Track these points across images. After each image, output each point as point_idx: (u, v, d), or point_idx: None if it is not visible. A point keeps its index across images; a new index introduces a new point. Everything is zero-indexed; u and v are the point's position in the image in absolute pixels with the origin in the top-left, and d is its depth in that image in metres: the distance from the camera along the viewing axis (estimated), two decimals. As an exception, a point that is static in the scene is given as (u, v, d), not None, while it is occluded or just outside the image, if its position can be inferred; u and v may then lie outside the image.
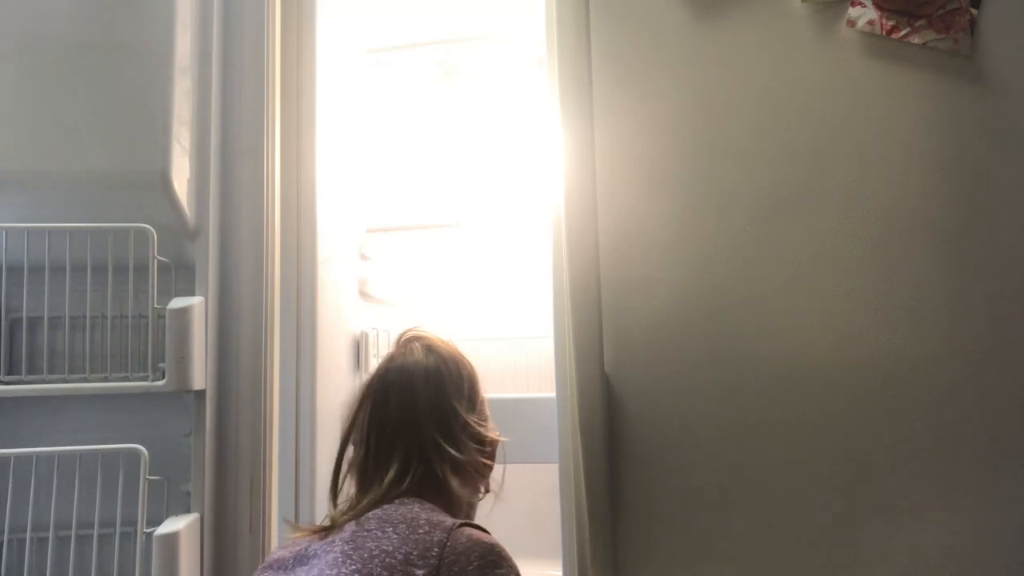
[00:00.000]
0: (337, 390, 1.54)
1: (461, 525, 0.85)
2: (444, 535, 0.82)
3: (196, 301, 1.28)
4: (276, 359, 1.38)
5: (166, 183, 1.26)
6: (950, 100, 1.00)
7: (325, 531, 0.90)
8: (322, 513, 0.96)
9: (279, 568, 0.89)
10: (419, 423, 0.95)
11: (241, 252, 1.36)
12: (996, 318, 0.96)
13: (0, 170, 1.24)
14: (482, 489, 1.02)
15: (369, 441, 0.96)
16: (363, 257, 1.91)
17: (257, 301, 1.35)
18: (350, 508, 0.92)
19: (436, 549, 0.80)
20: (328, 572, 0.81)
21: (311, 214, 1.46)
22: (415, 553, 0.80)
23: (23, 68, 1.26)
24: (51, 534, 1.24)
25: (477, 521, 0.94)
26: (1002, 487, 0.94)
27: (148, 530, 1.21)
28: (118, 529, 1.24)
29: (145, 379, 1.26)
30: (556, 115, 1.10)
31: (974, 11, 1.00)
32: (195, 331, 1.27)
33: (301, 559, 0.87)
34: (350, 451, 0.99)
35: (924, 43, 1.01)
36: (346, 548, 0.83)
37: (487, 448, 1.00)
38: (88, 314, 1.30)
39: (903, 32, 1.01)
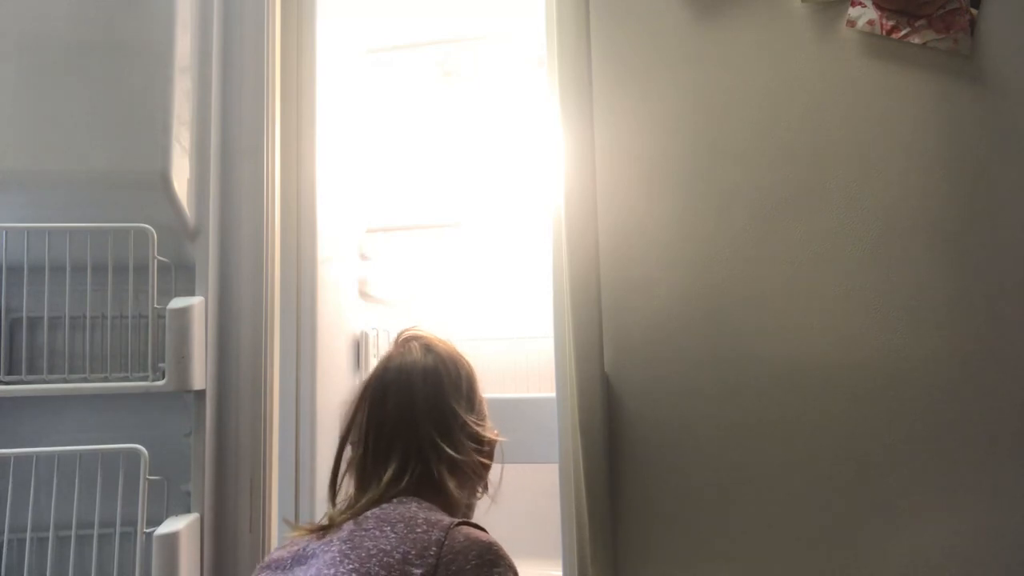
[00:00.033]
0: (337, 390, 1.54)
1: (459, 524, 0.85)
2: (442, 534, 0.82)
3: (196, 301, 1.28)
4: (276, 359, 1.38)
5: (166, 183, 1.26)
6: (950, 100, 1.00)
7: (323, 530, 0.90)
8: (322, 513, 0.96)
9: (277, 568, 0.89)
10: (417, 422, 0.95)
11: (241, 252, 1.36)
12: (996, 318, 0.96)
13: (0, 170, 1.24)
14: (480, 488, 1.02)
15: (367, 440, 0.96)
16: (363, 257, 1.91)
17: (257, 301, 1.35)
18: (348, 507, 0.93)
19: (434, 548, 0.80)
20: (326, 571, 0.81)
21: (311, 214, 1.46)
22: (413, 552, 0.80)
23: (23, 68, 1.26)
24: (51, 534, 1.24)
25: (476, 521, 0.94)
26: (1002, 487, 0.94)
27: (148, 530, 1.21)
28: (118, 529, 1.24)
29: (145, 379, 1.26)
30: (556, 115, 1.10)
31: (974, 11, 1.00)
32: (195, 331, 1.27)
33: (299, 559, 0.87)
34: (348, 450, 0.99)
35: (924, 43, 1.01)
36: (344, 547, 0.83)
37: (485, 448, 1.00)
38: (88, 314, 1.30)
39: (903, 32, 1.01)
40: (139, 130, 1.26)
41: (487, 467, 1.01)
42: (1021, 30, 0.99)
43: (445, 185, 2.05)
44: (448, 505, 0.93)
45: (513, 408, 1.49)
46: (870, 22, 1.02)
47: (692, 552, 1.00)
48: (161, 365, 1.25)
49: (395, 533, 0.83)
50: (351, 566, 0.80)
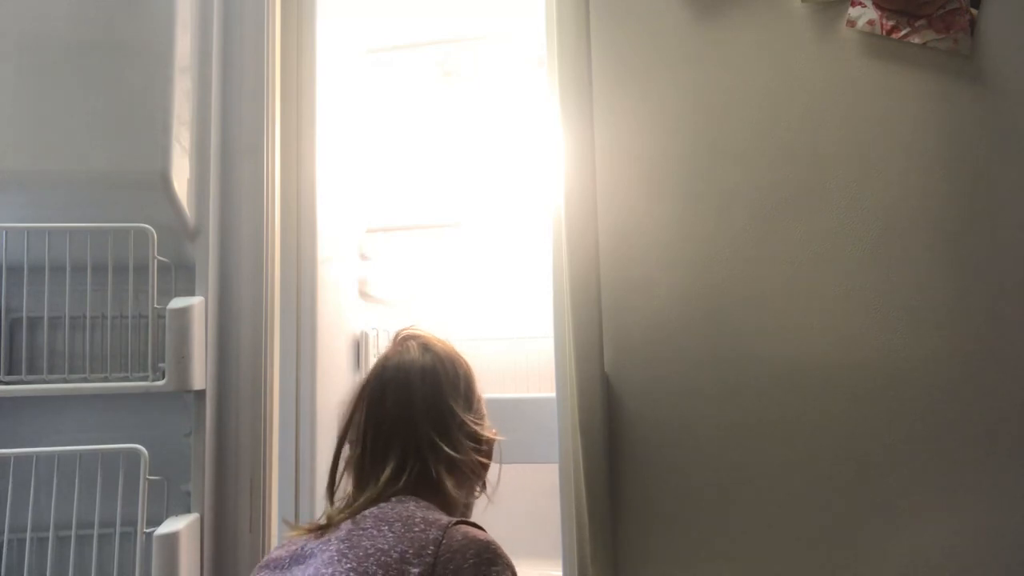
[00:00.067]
0: (337, 390, 1.53)
1: (457, 523, 0.85)
2: (440, 533, 0.82)
3: (196, 301, 1.28)
4: (276, 359, 1.38)
5: (166, 183, 1.26)
6: (950, 100, 1.00)
7: (321, 530, 0.90)
8: (322, 512, 0.96)
9: (275, 567, 0.89)
10: (415, 421, 0.95)
11: (241, 252, 1.36)
12: (996, 318, 0.96)
13: (0, 170, 1.24)
14: (478, 487, 1.02)
15: (365, 439, 0.96)
16: (363, 257, 1.91)
17: (257, 301, 1.35)
18: (346, 507, 0.93)
19: (432, 547, 0.80)
20: (324, 571, 0.81)
21: (311, 214, 1.46)
22: (411, 551, 0.80)
23: (23, 68, 1.26)
24: (51, 534, 1.24)
25: (475, 520, 0.94)
26: (1002, 487, 0.94)
27: (148, 530, 1.21)
28: (118, 529, 1.24)
29: (145, 379, 1.26)
30: (556, 115, 1.10)
31: (974, 11, 1.00)
32: (195, 331, 1.27)
33: (297, 558, 0.87)
34: (347, 449, 0.99)
35: (924, 43, 1.01)
36: (342, 547, 0.83)
37: (483, 447, 1.00)
38: (88, 314, 1.30)
39: (903, 32, 1.01)
40: (139, 130, 1.26)
41: (485, 466, 1.01)
42: (1021, 30, 0.99)
43: (445, 185, 2.05)
44: (446, 504, 0.93)
45: (513, 408, 1.49)
46: (870, 22, 1.02)
47: (692, 552, 1.00)
48: (161, 365, 1.25)
49: (393, 532, 0.83)
50: (349, 565, 0.80)
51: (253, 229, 1.36)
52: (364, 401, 0.98)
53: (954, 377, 0.96)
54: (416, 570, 0.78)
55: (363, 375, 1.05)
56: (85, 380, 1.28)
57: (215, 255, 1.34)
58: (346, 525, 0.87)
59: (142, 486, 1.22)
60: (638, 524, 1.02)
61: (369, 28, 1.92)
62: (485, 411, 1.03)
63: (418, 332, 1.05)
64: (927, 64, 1.01)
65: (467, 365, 1.03)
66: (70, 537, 1.22)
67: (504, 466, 1.05)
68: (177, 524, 1.22)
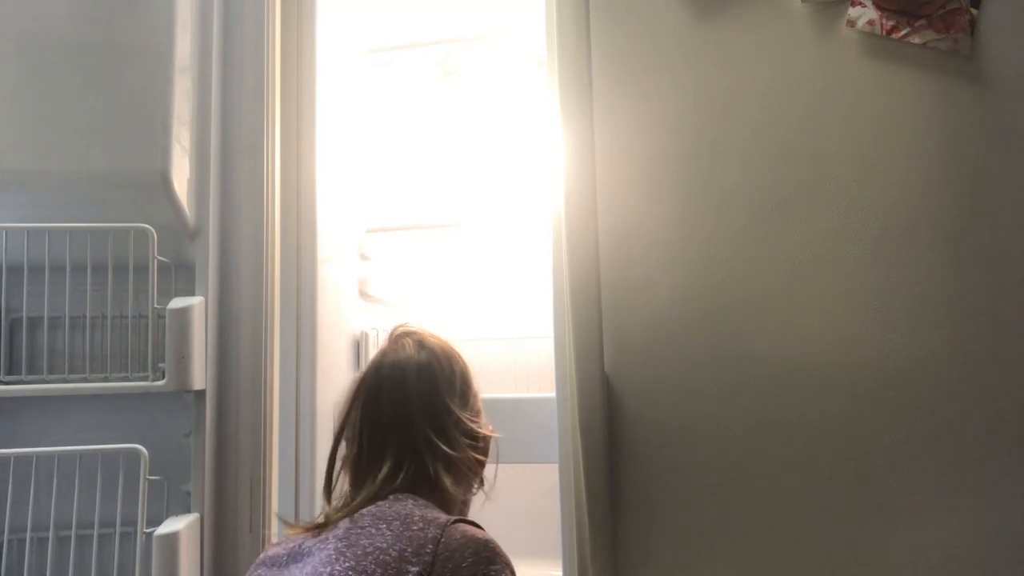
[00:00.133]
0: (337, 390, 1.53)
1: (455, 521, 0.85)
2: (438, 532, 0.82)
3: (196, 301, 1.29)
4: (276, 359, 1.38)
5: (166, 183, 1.26)
6: (950, 100, 1.00)
7: (319, 528, 0.89)
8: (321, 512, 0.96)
9: (273, 565, 0.89)
10: (411, 419, 0.95)
11: (241, 252, 1.36)
12: (996, 318, 0.96)
13: (0, 170, 1.24)
14: (476, 484, 1.02)
15: (362, 438, 0.96)
16: (363, 257, 1.91)
17: (257, 301, 1.35)
18: (344, 505, 0.92)
19: (430, 546, 0.80)
20: (322, 569, 0.81)
21: (311, 214, 1.46)
22: (409, 550, 0.80)
23: (23, 68, 1.26)
24: (51, 534, 1.24)
25: (476, 520, 0.94)
26: (1002, 487, 0.94)
27: (148, 530, 1.21)
28: (118, 529, 1.24)
29: (145, 379, 1.26)
30: (556, 115, 1.10)
31: (974, 11, 1.00)
32: (195, 331, 1.27)
33: (295, 556, 0.87)
34: (343, 447, 0.99)
35: (924, 43, 1.01)
36: (340, 545, 0.83)
37: (480, 444, 1.00)
38: (88, 314, 1.30)
39: (903, 32, 1.01)
40: (139, 130, 1.26)
41: (482, 463, 1.01)
42: (1021, 30, 0.99)
43: (445, 185, 2.05)
44: (444, 502, 0.93)
45: (513, 408, 1.49)
46: (870, 22, 1.02)
47: (692, 552, 1.00)
48: (161, 365, 1.25)
49: (391, 531, 0.83)
50: (347, 564, 0.80)
51: (253, 229, 1.36)
52: (360, 399, 0.98)
53: (954, 377, 0.96)
54: (415, 569, 0.78)
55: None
56: (85, 380, 1.28)
57: (215, 255, 1.34)
58: (344, 524, 0.87)
59: (142, 486, 1.22)
60: (638, 524, 1.02)
61: (369, 28, 1.92)
62: (482, 407, 1.03)
63: (414, 329, 1.05)
64: (927, 64, 1.01)
65: (463, 362, 1.03)
66: (70, 537, 1.22)
67: (504, 466, 1.05)
68: (177, 524, 1.22)
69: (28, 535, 1.23)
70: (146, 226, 1.26)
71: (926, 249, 0.99)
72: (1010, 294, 0.96)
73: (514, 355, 1.94)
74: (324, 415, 1.45)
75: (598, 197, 1.08)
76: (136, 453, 1.23)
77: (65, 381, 1.28)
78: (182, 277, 1.33)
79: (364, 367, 1.04)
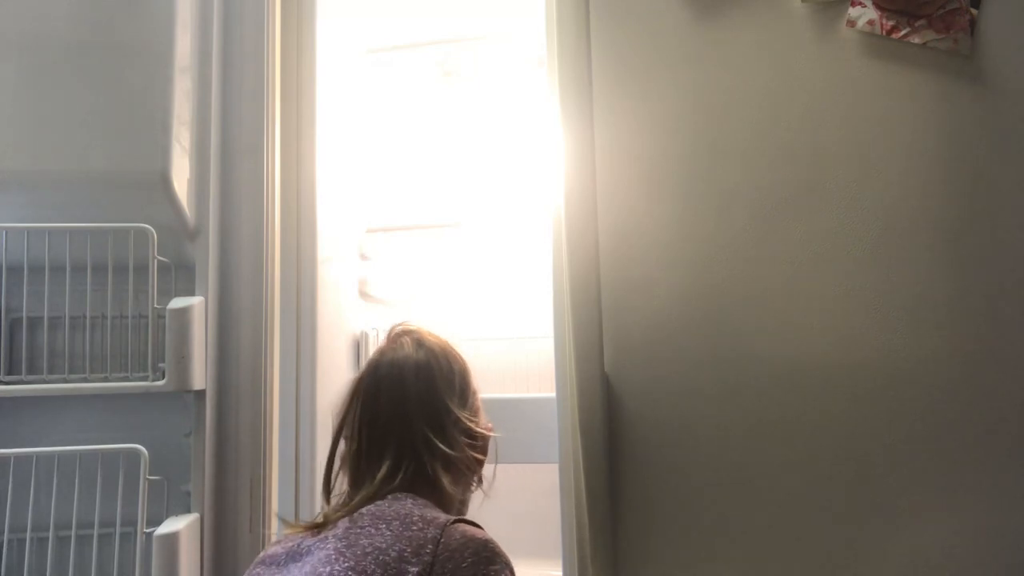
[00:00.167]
0: (337, 390, 1.53)
1: (455, 521, 0.84)
2: (438, 532, 0.82)
3: (196, 301, 1.29)
4: (276, 359, 1.38)
5: (166, 183, 1.26)
6: (950, 100, 1.00)
7: (318, 527, 0.89)
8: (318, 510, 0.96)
9: (272, 563, 0.88)
10: (410, 418, 0.94)
11: (241, 252, 1.36)
12: (996, 318, 0.96)
13: (0, 170, 1.24)
14: (475, 482, 1.02)
15: (360, 436, 0.96)
16: (363, 257, 1.91)
17: (257, 301, 1.35)
18: (343, 505, 0.92)
19: (430, 546, 0.80)
20: (321, 569, 0.81)
21: (311, 214, 1.46)
22: (409, 550, 0.80)
23: (23, 68, 1.26)
24: (51, 534, 1.24)
25: (476, 520, 0.94)
26: (1002, 487, 0.94)
27: (148, 530, 1.21)
28: (118, 529, 1.24)
29: (145, 379, 1.26)
30: (556, 115, 1.10)
31: (974, 11, 1.00)
32: (195, 331, 1.27)
33: (294, 555, 0.87)
34: (342, 446, 0.99)
35: (924, 43, 1.01)
36: (339, 545, 0.83)
37: (479, 442, 0.99)
38: (88, 314, 1.30)
39: (903, 32, 1.01)
40: (139, 130, 1.26)
41: (481, 462, 1.01)
42: (1021, 30, 0.99)
43: (445, 185, 2.05)
44: (442, 501, 0.93)
45: (513, 408, 1.49)
46: (870, 22, 1.02)
47: (692, 552, 1.00)
48: (161, 365, 1.25)
49: (391, 531, 0.83)
50: (347, 564, 0.80)
51: (253, 229, 1.36)
52: (359, 397, 0.98)
53: (954, 377, 0.96)
54: (415, 569, 0.78)
55: (361, 373, 1.04)
56: (85, 380, 1.28)
57: (215, 255, 1.34)
58: (343, 523, 0.87)
59: (142, 486, 1.22)
60: (638, 524, 1.02)
61: (369, 28, 1.92)
62: (480, 406, 1.03)
63: (412, 327, 1.05)
64: (927, 64, 1.01)
65: (462, 360, 1.03)
66: (70, 537, 1.22)
67: (504, 466, 1.05)
68: (177, 524, 1.22)
69: (28, 535, 1.23)
70: (146, 226, 1.26)
71: (926, 249, 0.99)
72: (1010, 294, 0.96)
73: (514, 355, 1.94)
74: (324, 415, 1.45)
75: (598, 197, 1.08)
76: (136, 453, 1.23)
77: (65, 381, 1.28)
78: (182, 277, 1.33)
79: (363, 366, 1.03)
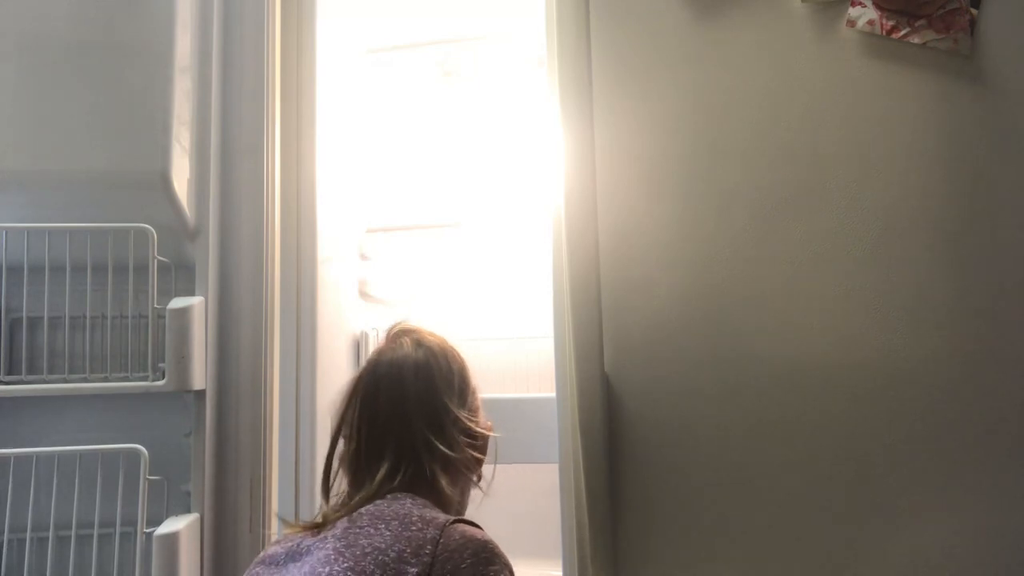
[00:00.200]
0: (337, 390, 1.53)
1: (454, 522, 0.84)
2: (437, 532, 0.82)
3: (196, 301, 1.29)
4: (276, 359, 1.38)
5: (166, 183, 1.26)
6: (950, 100, 1.00)
7: (318, 527, 0.89)
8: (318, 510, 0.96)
9: (271, 563, 0.88)
10: (409, 419, 0.94)
11: (241, 252, 1.36)
12: (996, 318, 0.96)
13: (0, 170, 1.24)
14: (474, 479, 1.01)
15: (359, 437, 0.95)
16: (363, 257, 1.91)
17: (257, 301, 1.35)
18: (342, 505, 0.92)
19: (429, 546, 0.80)
20: (320, 569, 0.81)
21: (311, 214, 1.46)
22: (408, 550, 0.80)
23: (23, 68, 1.26)
24: (51, 534, 1.24)
25: (475, 520, 0.94)
26: (1002, 487, 0.94)
27: (148, 530, 1.21)
28: (118, 529, 1.24)
29: (145, 379, 1.26)
30: (556, 115, 1.10)
31: (974, 11, 1.00)
32: (195, 331, 1.27)
33: (293, 555, 0.87)
34: (341, 445, 0.99)
35: (924, 43, 1.01)
36: (338, 545, 0.83)
37: (478, 442, 0.99)
38: (88, 314, 1.30)
39: (903, 32, 1.01)
40: (139, 130, 1.26)
41: (480, 461, 1.01)
42: (1021, 30, 0.99)
43: (445, 185, 2.05)
44: (441, 501, 0.92)
45: (513, 408, 1.49)
46: (870, 22, 1.02)
47: (692, 552, 1.00)
48: (161, 365, 1.25)
49: (390, 531, 0.82)
50: (346, 564, 0.80)
51: (253, 229, 1.36)
52: (358, 396, 0.98)
53: (954, 377, 0.96)
54: (414, 570, 0.78)
55: (360, 373, 1.04)
56: (85, 380, 1.28)
57: (215, 255, 1.34)
58: (342, 523, 0.87)
59: (142, 486, 1.22)
60: (638, 524, 1.02)
61: (369, 28, 1.92)
62: (480, 405, 1.02)
63: (411, 327, 1.05)
64: (927, 64, 1.01)
65: (461, 360, 1.02)
66: (70, 537, 1.22)
67: (504, 466, 1.05)
68: (177, 524, 1.22)
69: (28, 535, 1.23)
70: (146, 226, 1.26)
71: (926, 249, 0.99)
72: (1010, 294, 0.96)
73: (514, 355, 1.94)
74: (324, 415, 1.45)
75: (598, 197, 1.08)
76: (136, 453, 1.23)
77: (65, 381, 1.28)
78: (182, 277, 1.33)
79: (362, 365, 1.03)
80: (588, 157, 1.08)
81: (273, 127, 1.40)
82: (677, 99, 1.07)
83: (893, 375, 0.98)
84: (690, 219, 1.05)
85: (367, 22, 1.88)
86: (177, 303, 1.27)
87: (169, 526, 1.21)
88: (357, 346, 1.77)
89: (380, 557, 0.79)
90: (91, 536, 1.23)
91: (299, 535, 0.90)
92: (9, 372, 1.32)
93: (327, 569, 0.80)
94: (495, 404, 1.08)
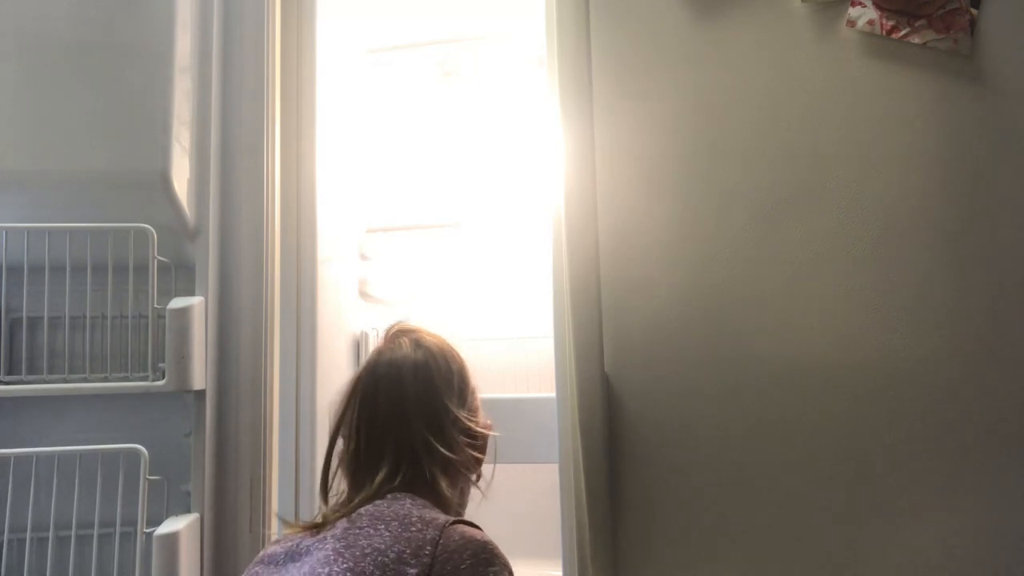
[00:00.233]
0: (337, 390, 1.53)
1: (454, 523, 0.84)
2: (437, 533, 0.81)
3: (196, 301, 1.29)
4: (276, 359, 1.38)
5: (166, 183, 1.26)
6: (950, 100, 1.00)
7: (317, 527, 0.89)
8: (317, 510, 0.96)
9: (270, 563, 0.88)
10: (408, 420, 0.94)
11: (241, 252, 1.36)
12: (996, 318, 0.96)
13: (0, 170, 1.24)
14: (474, 478, 1.01)
15: (359, 437, 0.95)
16: (363, 257, 1.91)
17: (257, 301, 1.35)
18: (342, 505, 0.92)
19: (429, 548, 0.80)
20: (320, 570, 0.81)
21: (311, 214, 1.46)
22: (408, 551, 0.80)
23: (23, 68, 1.26)
24: (51, 534, 1.24)
25: (475, 520, 0.94)
26: (1002, 487, 0.94)
27: (148, 530, 1.21)
28: (118, 529, 1.24)
29: (145, 379, 1.26)
30: (556, 115, 1.10)
31: (974, 11, 1.00)
32: (195, 331, 1.27)
33: (293, 555, 0.87)
34: (339, 445, 0.99)
35: (924, 43, 1.01)
36: (338, 546, 0.83)
37: (478, 442, 0.99)
38: (88, 314, 1.30)
39: (903, 32, 1.01)
40: (139, 130, 1.26)
41: (480, 461, 1.01)
42: (1021, 30, 0.99)
43: (445, 185, 2.05)
44: (440, 502, 0.92)
45: (513, 408, 1.49)
46: (870, 22, 1.02)
47: (692, 552, 1.00)
48: (161, 365, 1.25)
49: (389, 532, 0.82)
50: (345, 565, 0.79)
51: (253, 229, 1.36)
52: (357, 397, 0.97)
53: (954, 377, 0.96)
54: (414, 571, 0.78)
55: (360, 373, 1.04)
56: (85, 380, 1.28)
57: (215, 255, 1.34)
58: (342, 523, 0.87)
59: (142, 486, 1.22)
60: (638, 524, 1.02)
61: (369, 28, 1.92)
62: (479, 404, 1.02)
63: (410, 327, 1.04)
64: (927, 64, 1.01)
65: (460, 359, 1.02)
66: (70, 537, 1.22)
67: (504, 466, 1.05)
68: (177, 524, 1.22)
69: (28, 535, 1.23)
70: (146, 226, 1.26)
71: (926, 249, 0.99)
72: (1010, 294, 0.96)
73: (514, 355, 1.94)
74: (324, 415, 1.45)
75: (598, 197, 1.08)
76: (136, 453, 1.23)
77: (65, 381, 1.28)
78: (182, 277, 1.33)
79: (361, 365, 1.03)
80: (588, 157, 1.08)
81: (273, 127, 1.40)
82: (677, 99, 1.07)
83: (893, 375, 0.98)
84: (690, 219, 1.05)
85: (367, 22, 1.88)
86: (177, 303, 1.27)
87: (169, 526, 1.21)
88: (357, 346, 1.77)
89: (380, 558, 0.79)
90: (91, 536, 1.23)
91: (299, 535, 0.90)
92: (9, 372, 1.32)
93: (327, 570, 0.80)
94: (495, 404, 1.08)
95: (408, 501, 0.88)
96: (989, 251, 0.97)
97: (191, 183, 1.32)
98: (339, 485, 0.98)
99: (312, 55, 1.49)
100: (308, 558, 0.84)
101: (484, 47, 2.02)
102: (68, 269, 1.26)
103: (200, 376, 1.28)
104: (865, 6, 1.02)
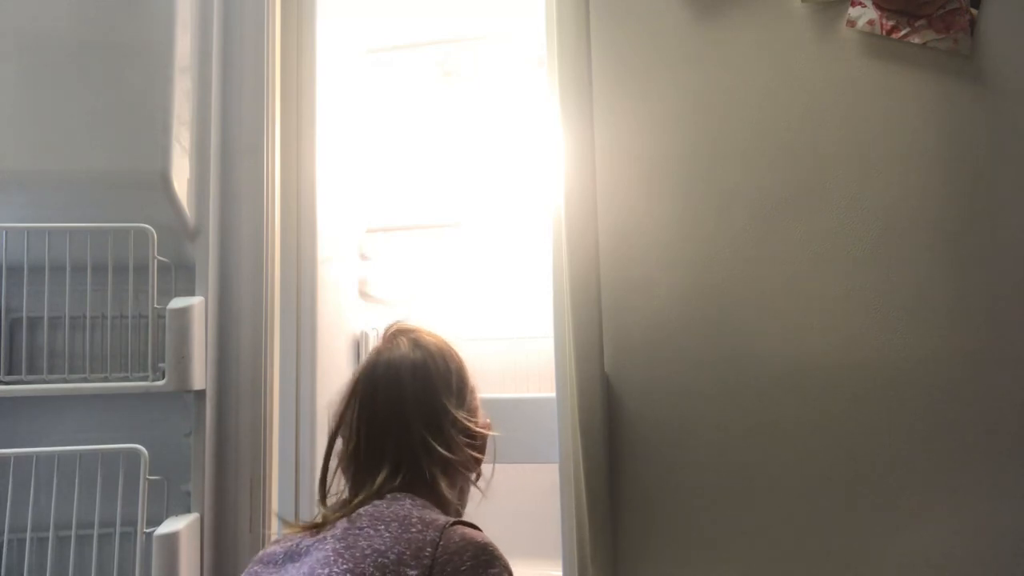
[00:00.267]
0: (337, 390, 1.53)
1: (454, 524, 0.84)
2: (437, 534, 0.81)
3: (196, 301, 1.29)
4: (276, 359, 1.38)
5: (166, 183, 1.26)
6: (950, 100, 1.00)
7: (317, 528, 0.89)
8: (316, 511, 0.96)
9: (270, 563, 0.88)
10: (408, 420, 0.94)
11: (241, 252, 1.36)
12: (996, 318, 0.96)
13: (0, 170, 1.24)
14: (473, 477, 1.01)
15: (358, 437, 0.95)
16: (363, 257, 1.91)
17: (257, 301, 1.35)
18: (342, 505, 0.92)
19: (429, 549, 0.80)
20: (320, 571, 0.80)
21: (311, 214, 1.46)
22: (408, 553, 0.79)
23: (23, 68, 1.26)
24: (51, 534, 1.24)
25: (474, 520, 0.94)
26: (1002, 487, 0.94)
27: (148, 530, 1.21)
28: (118, 529, 1.24)
29: (145, 379, 1.26)
30: (556, 115, 1.10)
31: (974, 11, 1.00)
32: (195, 331, 1.27)
33: (292, 555, 0.87)
34: (338, 445, 0.99)
35: (924, 43, 1.01)
36: (338, 546, 0.82)
37: (477, 441, 0.99)
38: (88, 314, 1.30)
39: (903, 32, 1.01)
40: (139, 130, 1.26)
41: (479, 461, 1.00)
42: (1021, 30, 0.99)
43: (445, 185, 2.05)
44: (440, 502, 0.92)
45: (513, 408, 1.48)
46: (870, 22, 1.02)
47: (692, 552, 1.00)
48: (161, 365, 1.26)
49: (389, 533, 0.82)
50: (345, 566, 0.79)
51: (253, 229, 1.36)
52: (356, 397, 0.97)
53: (954, 377, 0.96)
54: (414, 572, 0.78)
55: (359, 373, 1.04)
56: (85, 380, 1.28)
57: (215, 255, 1.34)
58: (342, 524, 0.87)
59: (142, 486, 1.22)
60: (638, 524, 1.02)
61: (369, 28, 1.92)
62: (478, 404, 1.02)
63: (408, 327, 1.04)
64: (927, 64, 1.01)
65: (459, 359, 1.02)
66: (70, 537, 1.22)
67: (504, 466, 1.05)
68: (177, 524, 1.22)
69: (28, 535, 1.23)
70: (146, 226, 1.26)
71: (926, 249, 0.99)
72: (1010, 294, 0.96)
73: (514, 355, 1.94)
74: (324, 415, 1.45)
75: (598, 197, 1.08)
76: (136, 453, 1.23)
77: (65, 381, 1.28)
78: (182, 277, 1.33)
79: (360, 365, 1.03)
80: (588, 157, 1.08)
81: (273, 127, 1.40)
82: (677, 99, 1.07)
83: (893, 375, 0.98)
84: (690, 219, 1.05)
85: (367, 22, 1.88)
86: (177, 303, 1.27)
87: (169, 526, 1.21)
88: (357, 346, 1.77)
89: (380, 559, 0.79)
90: (91, 536, 1.23)
91: (298, 535, 0.90)
92: (9, 372, 1.32)
93: (326, 571, 0.80)
94: (495, 404, 1.08)
95: (408, 501, 0.88)
96: (989, 251, 0.97)
97: (191, 183, 1.32)
98: (338, 485, 0.98)
99: (312, 55, 1.49)
100: (307, 558, 0.84)
101: (484, 47, 2.02)
102: (68, 269, 1.26)
103: (200, 376, 1.28)
104: (865, 6, 1.02)
